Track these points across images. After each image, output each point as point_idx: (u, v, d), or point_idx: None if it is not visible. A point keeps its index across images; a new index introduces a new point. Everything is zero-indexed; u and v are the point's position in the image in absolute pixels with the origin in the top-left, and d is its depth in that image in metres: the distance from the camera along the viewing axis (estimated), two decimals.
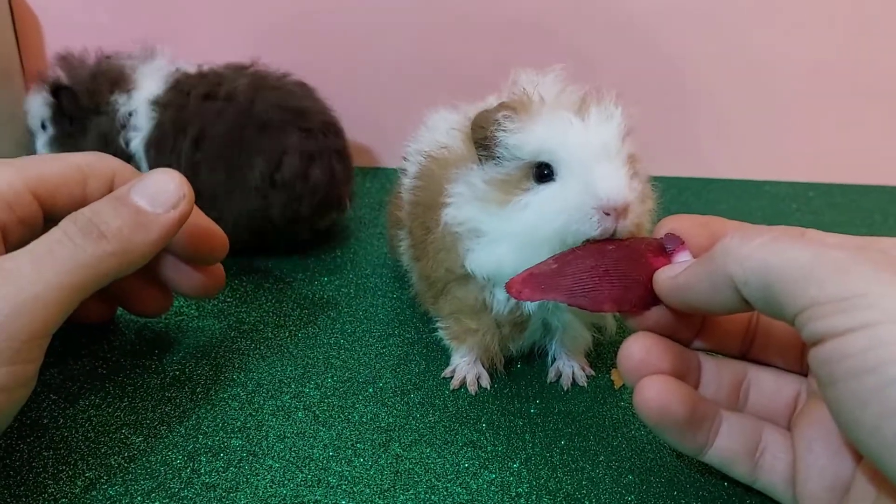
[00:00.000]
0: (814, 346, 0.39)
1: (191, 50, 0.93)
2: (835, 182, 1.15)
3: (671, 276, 0.50)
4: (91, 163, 0.61)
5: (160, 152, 0.86)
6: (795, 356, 0.54)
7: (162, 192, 0.57)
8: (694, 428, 0.51)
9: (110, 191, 0.60)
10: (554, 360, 0.71)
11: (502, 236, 0.58)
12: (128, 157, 0.86)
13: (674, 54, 1.08)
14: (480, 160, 0.59)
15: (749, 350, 0.56)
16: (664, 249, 0.52)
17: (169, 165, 0.65)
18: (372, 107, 1.12)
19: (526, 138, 0.56)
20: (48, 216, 0.59)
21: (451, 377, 0.69)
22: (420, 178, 0.67)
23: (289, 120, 0.86)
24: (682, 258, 0.51)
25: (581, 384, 0.70)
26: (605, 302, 0.51)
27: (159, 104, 0.88)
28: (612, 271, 0.51)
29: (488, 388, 0.69)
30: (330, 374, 0.70)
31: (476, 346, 0.68)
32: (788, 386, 0.54)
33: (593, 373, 0.71)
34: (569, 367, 0.70)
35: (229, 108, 0.85)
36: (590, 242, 0.54)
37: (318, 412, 0.65)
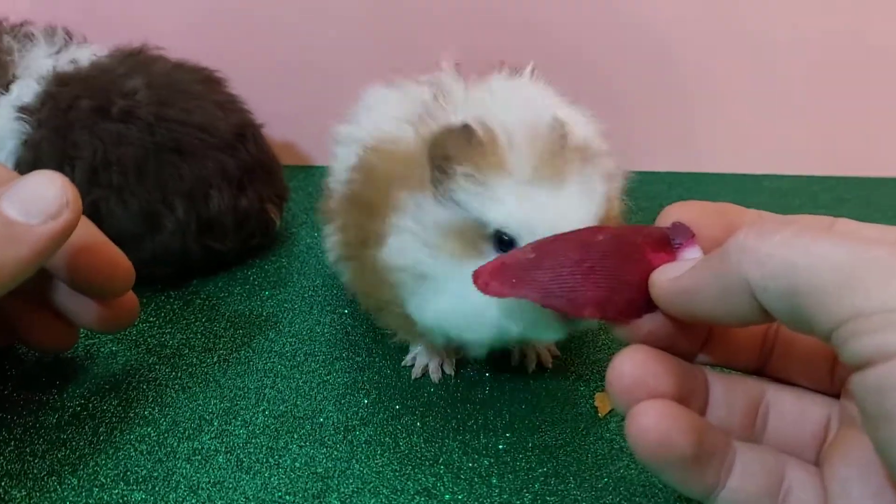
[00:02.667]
0: (860, 371, 0.31)
1: (114, 36, 0.82)
2: (843, 175, 1.05)
3: (671, 277, 0.40)
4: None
5: None
6: (824, 373, 0.44)
7: (39, 199, 0.47)
8: (701, 465, 0.40)
9: None
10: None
11: (453, 292, 0.49)
12: None
13: (665, 39, 0.99)
14: (435, 185, 0.49)
15: (766, 365, 0.46)
16: (668, 243, 0.42)
17: None
18: (300, 98, 1.01)
19: (490, 207, 0.47)
20: None
21: (412, 365, 0.64)
22: (359, 172, 0.56)
23: (206, 141, 0.74)
24: (691, 255, 0.41)
25: (547, 366, 0.64)
26: (586, 306, 0.41)
27: (31, 115, 0.73)
28: (599, 269, 0.41)
29: (452, 374, 0.64)
30: (262, 409, 0.59)
31: (428, 346, 0.61)
32: (816, 410, 0.44)
33: (559, 354, 0.66)
34: (532, 350, 0.65)
35: (131, 131, 0.71)
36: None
37: (242, 456, 0.55)
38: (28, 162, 0.71)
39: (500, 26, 0.97)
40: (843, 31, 0.97)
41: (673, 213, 0.43)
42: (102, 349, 0.66)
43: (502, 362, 0.65)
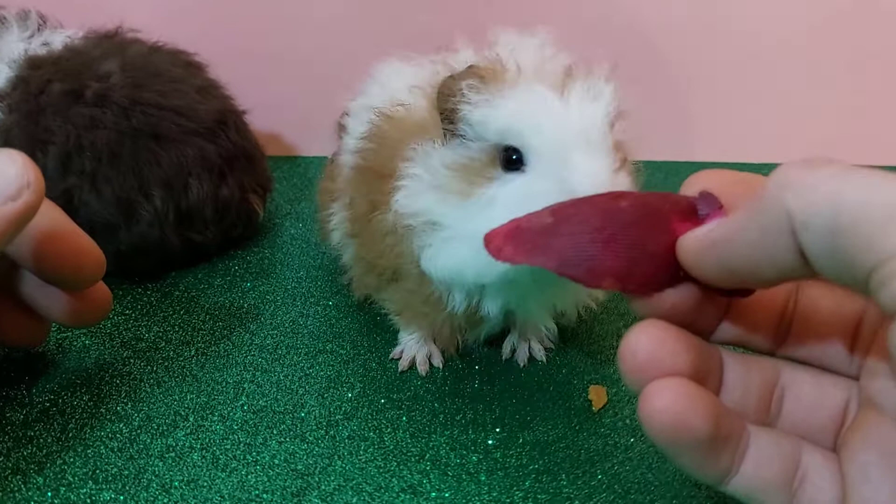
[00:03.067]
0: None
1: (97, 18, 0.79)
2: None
3: (702, 234, 0.37)
4: None
5: None
6: (843, 352, 0.42)
7: (1, 179, 0.44)
8: (717, 449, 0.38)
9: None
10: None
11: (464, 235, 0.47)
12: None
13: (662, 28, 0.97)
14: (445, 135, 0.48)
15: (783, 345, 0.43)
16: (695, 213, 0.39)
17: None
18: (285, 87, 0.99)
19: (492, 115, 0.45)
20: None
21: (399, 358, 0.62)
22: (371, 140, 0.55)
23: (184, 126, 0.71)
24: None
25: (539, 358, 0.62)
26: (605, 276, 0.38)
27: (2, 100, 0.70)
28: (621, 237, 0.38)
29: (440, 367, 0.61)
30: (240, 403, 0.57)
31: (426, 327, 0.59)
32: (834, 392, 0.41)
33: (552, 346, 0.63)
34: (524, 342, 0.62)
35: (105, 115, 0.68)
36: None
37: (218, 453, 0.52)
38: None
39: (495, 16, 0.94)
40: (841, 19, 0.95)
41: (699, 182, 0.40)
42: (75, 343, 0.63)
43: (493, 355, 0.62)
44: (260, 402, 0.57)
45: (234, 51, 0.92)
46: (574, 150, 0.43)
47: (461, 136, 0.47)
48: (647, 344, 0.38)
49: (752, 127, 1.02)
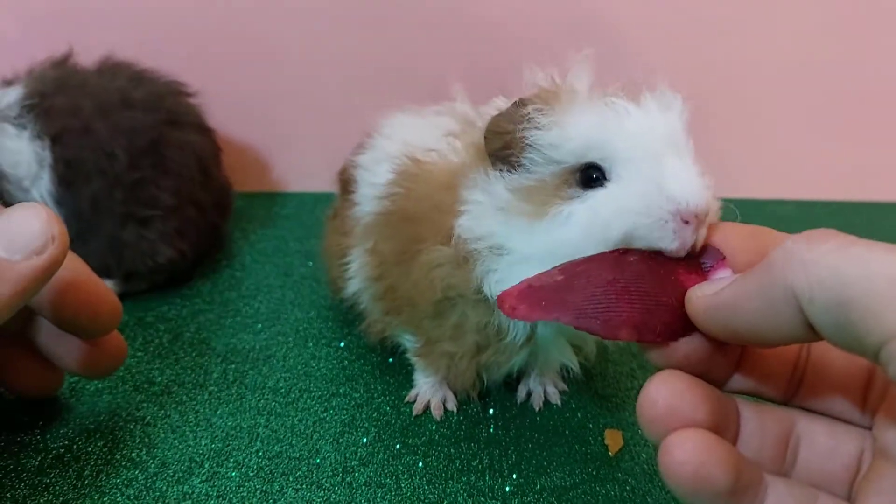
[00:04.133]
0: None
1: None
2: (849, 200, 1.03)
3: (711, 292, 0.38)
4: None
5: None
6: (856, 403, 0.42)
7: (22, 234, 0.44)
8: (736, 499, 0.38)
9: None
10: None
11: (534, 255, 0.45)
12: None
13: (666, 63, 0.96)
14: (508, 166, 0.47)
15: (796, 394, 0.43)
16: (699, 266, 0.40)
17: None
18: (303, 126, 0.99)
19: (567, 134, 0.43)
20: None
21: (414, 401, 0.62)
22: (399, 185, 0.55)
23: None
24: (722, 277, 0.39)
25: (554, 402, 0.62)
26: (623, 327, 0.38)
27: None
28: (634, 289, 0.39)
29: (454, 411, 0.61)
30: (255, 449, 0.56)
31: (446, 368, 0.58)
32: (848, 442, 0.42)
33: (567, 388, 0.64)
34: (539, 385, 0.62)
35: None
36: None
37: (235, 500, 0.52)
38: None
39: (483, 53, 0.95)
40: (845, 56, 0.96)
41: (708, 234, 0.42)
42: (87, 387, 0.63)
43: (507, 398, 0.62)
44: (275, 448, 0.56)
45: (221, 86, 0.92)
46: (665, 155, 0.42)
47: (521, 166, 0.46)
48: (667, 395, 0.38)
49: (760, 163, 1.02)
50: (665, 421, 0.38)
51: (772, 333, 0.35)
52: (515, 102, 0.47)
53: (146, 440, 0.57)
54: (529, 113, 0.45)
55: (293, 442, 0.57)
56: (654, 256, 0.40)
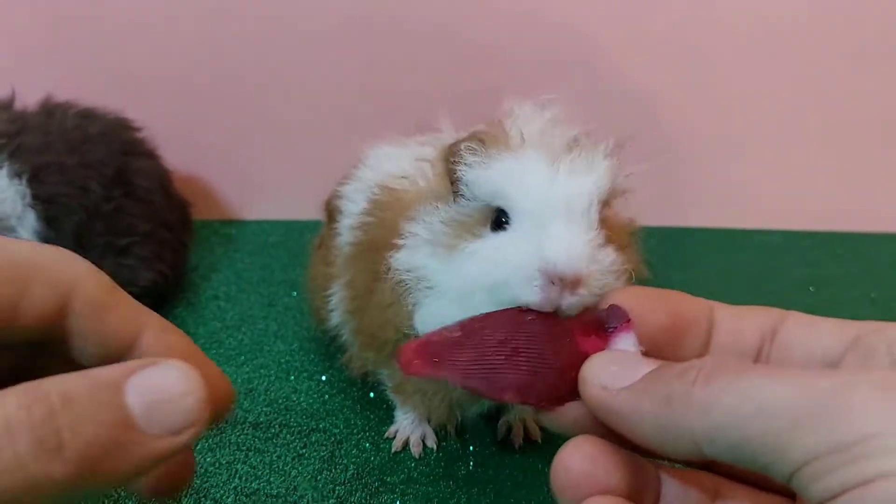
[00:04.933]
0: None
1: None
2: (834, 230, 1.03)
3: (606, 385, 0.37)
4: (40, 261, 0.37)
5: None
6: None
7: (169, 405, 0.34)
8: None
9: (62, 308, 0.37)
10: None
11: (448, 290, 0.47)
12: None
13: (655, 94, 0.97)
14: (452, 198, 0.49)
15: (717, 462, 0.43)
16: (602, 327, 0.40)
17: None
18: (281, 156, 0.99)
19: (485, 176, 0.46)
20: None
21: (394, 437, 0.62)
22: (371, 214, 0.56)
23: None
24: (624, 343, 0.39)
25: (535, 438, 0.62)
26: (507, 390, 0.38)
27: None
28: (524, 351, 0.39)
29: (434, 448, 0.61)
30: (233, 486, 0.56)
31: (421, 405, 0.59)
32: None
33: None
34: (519, 421, 0.62)
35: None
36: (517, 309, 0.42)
37: None
38: None
39: (471, 80, 0.95)
40: (833, 89, 0.97)
41: (615, 297, 0.41)
42: None
43: (487, 434, 0.62)
44: (253, 485, 0.56)
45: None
46: (554, 218, 0.44)
47: (462, 195, 0.48)
48: (581, 461, 0.37)
49: (746, 193, 1.03)
50: (578, 488, 0.37)
51: (667, 453, 0.35)
52: (469, 135, 0.48)
53: None
54: (463, 150, 0.47)
55: (271, 479, 0.57)
56: (553, 316, 0.41)
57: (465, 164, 0.47)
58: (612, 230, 0.48)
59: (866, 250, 0.97)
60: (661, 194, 1.02)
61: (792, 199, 1.02)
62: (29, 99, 0.80)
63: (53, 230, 0.71)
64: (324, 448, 0.60)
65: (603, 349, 0.38)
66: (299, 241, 0.93)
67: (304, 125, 0.97)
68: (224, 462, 0.59)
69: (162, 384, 0.33)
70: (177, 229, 0.83)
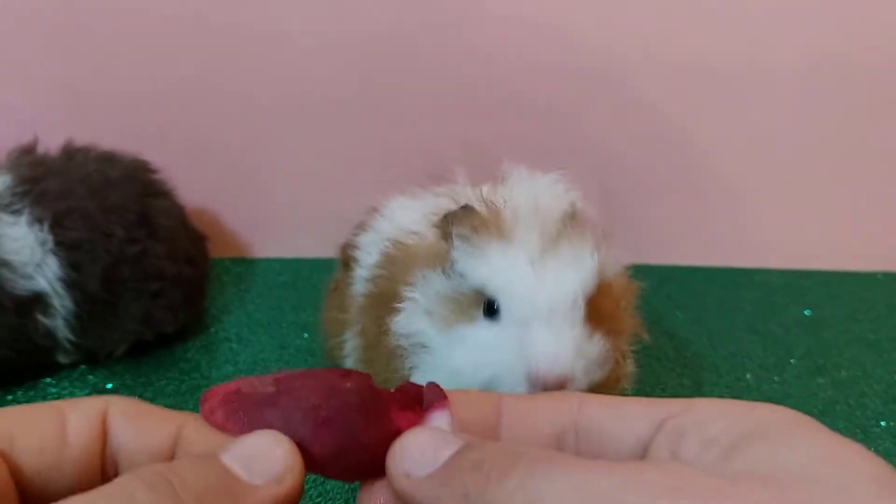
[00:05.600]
0: None
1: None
2: (833, 269, 1.04)
3: (408, 473, 0.36)
4: (70, 401, 0.41)
5: None
6: None
7: (263, 458, 0.37)
8: None
9: (104, 431, 0.40)
10: None
11: (442, 362, 0.50)
12: None
13: (657, 136, 0.99)
14: (452, 267, 0.52)
15: None
16: (420, 402, 0.39)
17: None
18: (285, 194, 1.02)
19: (476, 267, 0.48)
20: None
21: None
22: (383, 267, 0.58)
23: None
24: (438, 421, 0.38)
25: None
26: (312, 463, 0.37)
27: None
28: (336, 422, 0.37)
29: None
30: None
31: None
32: None
33: None
34: None
35: None
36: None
37: None
38: None
39: (486, 129, 0.97)
40: (833, 126, 0.98)
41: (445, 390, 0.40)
42: None
43: None
44: None
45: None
46: (538, 321, 0.46)
47: (458, 273, 0.50)
48: None
49: (747, 233, 1.05)
50: None
51: None
52: (464, 210, 0.51)
53: None
54: (455, 237, 0.49)
55: None
56: (372, 388, 0.39)
57: (457, 247, 0.49)
58: (608, 298, 0.51)
59: (864, 291, 0.99)
60: (665, 235, 1.05)
61: (792, 238, 1.04)
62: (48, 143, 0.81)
63: (80, 276, 0.73)
64: (339, 497, 0.62)
65: (416, 425, 0.38)
66: (308, 280, 0.95)
67: (314, 167, 1.00)
68: None
69: (249, 444, 0.36)
70: (198, 263, 0.85)
